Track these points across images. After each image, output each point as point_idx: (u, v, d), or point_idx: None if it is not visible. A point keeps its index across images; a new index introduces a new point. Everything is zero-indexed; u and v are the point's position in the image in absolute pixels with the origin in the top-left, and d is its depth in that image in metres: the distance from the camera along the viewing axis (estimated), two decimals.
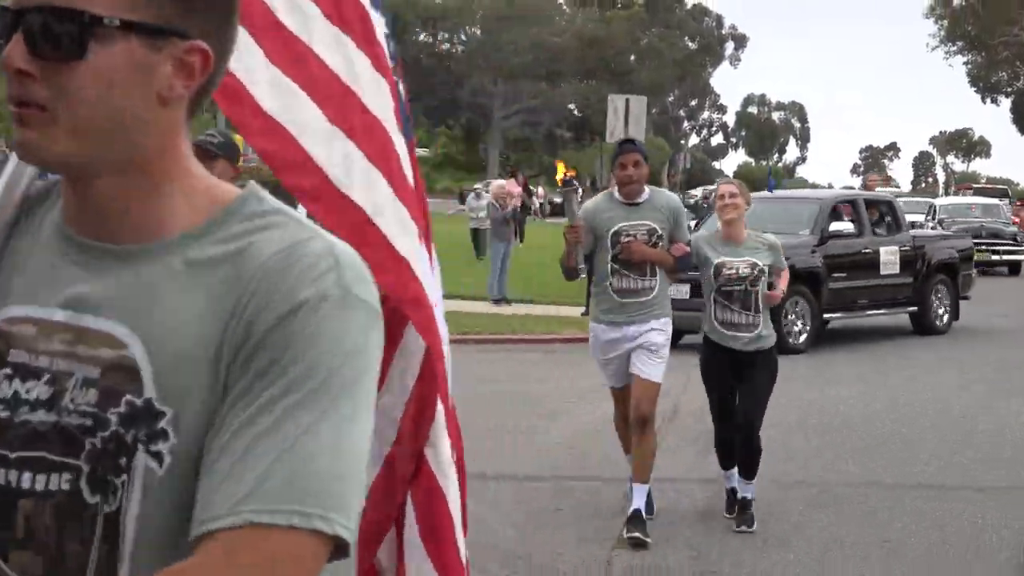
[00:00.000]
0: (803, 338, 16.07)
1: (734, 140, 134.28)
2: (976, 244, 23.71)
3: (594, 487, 9.76)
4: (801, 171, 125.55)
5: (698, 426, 11.04)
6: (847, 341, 17.77)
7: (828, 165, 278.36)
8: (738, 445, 8.06)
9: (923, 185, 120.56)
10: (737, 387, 8.10)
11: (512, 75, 70.14)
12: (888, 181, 46.86)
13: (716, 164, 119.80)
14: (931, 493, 9.61)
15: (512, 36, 69.57)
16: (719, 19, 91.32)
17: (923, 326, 17.99)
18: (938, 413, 12.74)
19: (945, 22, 69.98)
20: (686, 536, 8.19)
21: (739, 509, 8.12)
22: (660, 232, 7.63)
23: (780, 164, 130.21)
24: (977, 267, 21.21)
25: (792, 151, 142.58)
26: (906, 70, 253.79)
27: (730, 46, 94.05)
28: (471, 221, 32.61)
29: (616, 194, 7.82)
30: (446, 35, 78.15)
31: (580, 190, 8.51)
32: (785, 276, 8.32)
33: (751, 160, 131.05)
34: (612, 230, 7.61)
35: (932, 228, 29.65)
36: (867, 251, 17.07)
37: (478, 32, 74.05)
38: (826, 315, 16.60)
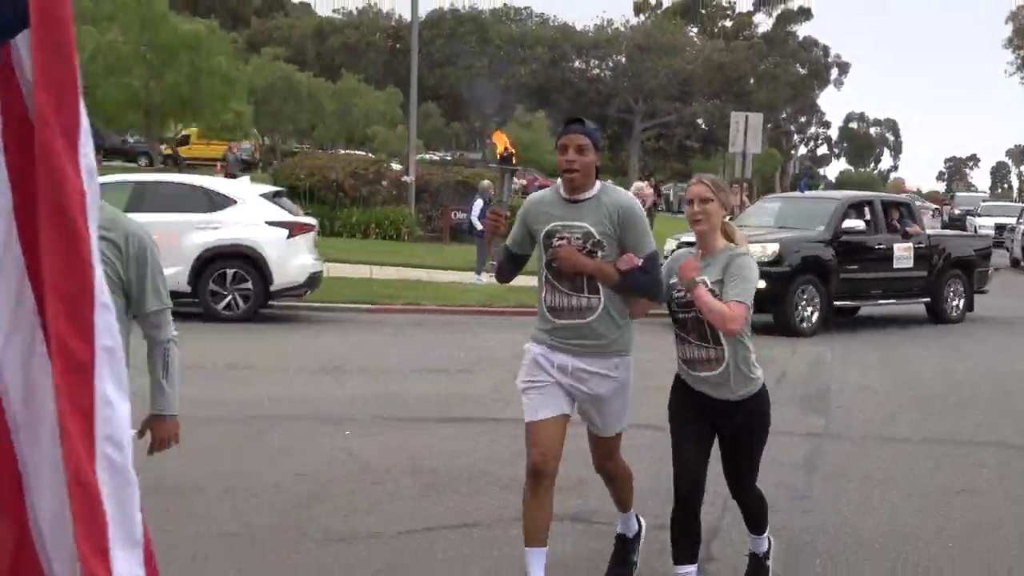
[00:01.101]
0: (813, 321, 15.53)
1: (836, 151, 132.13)
2: None
3: None
4: (896, 176, 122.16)
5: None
6: (869, 325, 17.38)
7: (917, 173, 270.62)
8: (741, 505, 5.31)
9: (999, 191, 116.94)
10: (719, 444, 5.06)
11: (650, 95, 70.04)
12: (905, 187, 45.56)
13: (820, 171, 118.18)
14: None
15: (651, 63, 69.54)
16: (826, 49, 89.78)
17: (936, 315, 17.42)
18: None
19: (1021, 51, 68.63)
20: None
21: (750, 571, 5.38)
22: (598, 238, 4.73)
23: (876, 171, 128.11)
24: None
25: (886, 160, 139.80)
26: (987, 91, 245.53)
27: (835, 72, 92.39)
28: None
29: (560, 188, 4.89)
30: (596, 63, 78.16)
31: (516, 171, 5.60)
32: (726, 307, 4.60)
33: (851, 168, 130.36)
34: (545, 230, 4.83)
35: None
36: (880, 246, 16.63)
37: (623, 60, 73.86)
38: (836, 302, 16.08)
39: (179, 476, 7.28)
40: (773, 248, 15.23)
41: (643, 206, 19.18)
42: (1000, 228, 36.96)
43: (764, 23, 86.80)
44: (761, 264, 15.00)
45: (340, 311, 16.94)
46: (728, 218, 4.90)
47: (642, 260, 4.72)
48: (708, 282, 4.64)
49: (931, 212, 45.45)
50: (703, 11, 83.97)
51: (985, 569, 5.97)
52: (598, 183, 4.83)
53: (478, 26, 78.50)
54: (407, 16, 27.60)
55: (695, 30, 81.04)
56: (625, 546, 5.51)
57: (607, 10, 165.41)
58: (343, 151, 50.02)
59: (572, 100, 74.07)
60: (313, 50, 78.43)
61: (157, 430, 4.02)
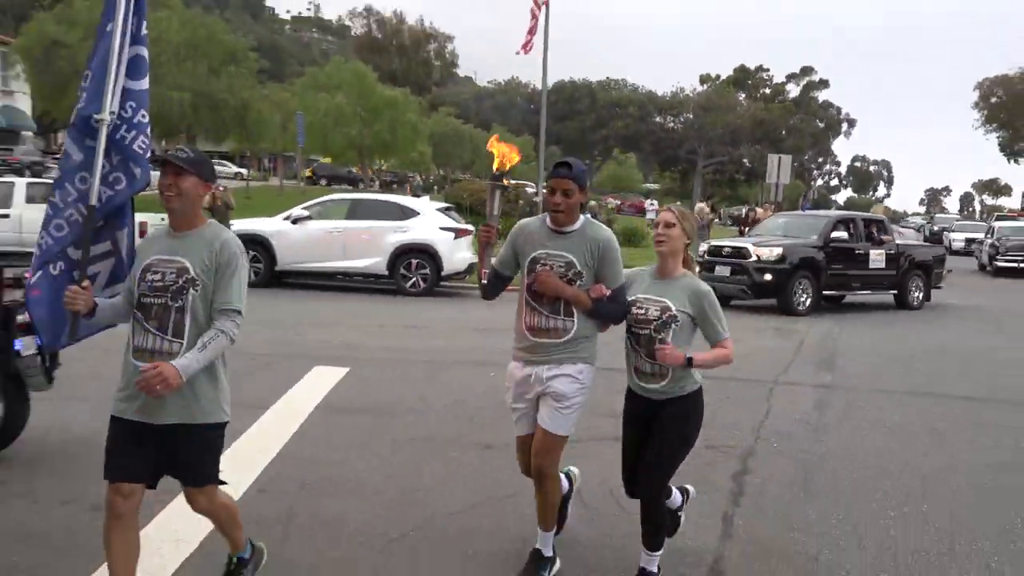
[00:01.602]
0: (807, 305, 15.20)
1: (844, 183, 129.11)
2: None
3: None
4: (887, 202, 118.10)
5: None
6: (857, 310, 16.70)
7: (904, 199, 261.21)
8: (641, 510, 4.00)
9: (965, 213, 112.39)
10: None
11: (710, 142, 68.87)
12: (887, 210, 43.93)
13: (832, 197, 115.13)
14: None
15: (711, 119, 68.43)
16: (839, 109, 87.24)
17: (901, 303, 16.94)
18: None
19: (985, 112, 66.20)
20: None
21: None
22: (579, 268, 3.91)
23: (873, 197, 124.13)
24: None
25: (882, 190, 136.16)
26: (959, 139, 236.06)
27: (845, 125, 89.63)
28: None
29: (548, 220, 3.99)
30: (671, 118, 77.10)
31: (507, 191, 4.59)
32: (720, 352, 3.90)
33: (856, 195, 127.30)
34: (531, 255, 3.97)
35: (991, 243, 27.67)
36: (859, 251, 16.20)
37: (691, 116, 72.78)
38: (825, 291, 15.73)
39: (383, 399, 7.43)
40: (778, 251, 15.15)
41: (703, 221, 18.37)
42: (970, 241, 35.90)
43: (794, 90, 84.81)
44: (768, 262, 14.94)
45: None
46: (686, 241, 3.93)
47: (611, 291, 3.92)
48: (657, 311, 3.83)
49: (915, 228, 43.87)
50: (749, 82, 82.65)
51: (943, 485, 5.74)
52: (582, 217, 3.96)
53: (589, 92, 78.69)
54: (539, 85, 27.79)
55: (743, 96, 79.52)
56: (536, 564, 4.08)
57: (680, 81, 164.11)
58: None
59: (654, 145, 73.97)
60: (474, 109, 79.43)
61: (160, 365, 3.08)
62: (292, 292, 15.20)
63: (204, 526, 4.48)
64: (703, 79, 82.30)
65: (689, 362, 3.77)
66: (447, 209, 17.22)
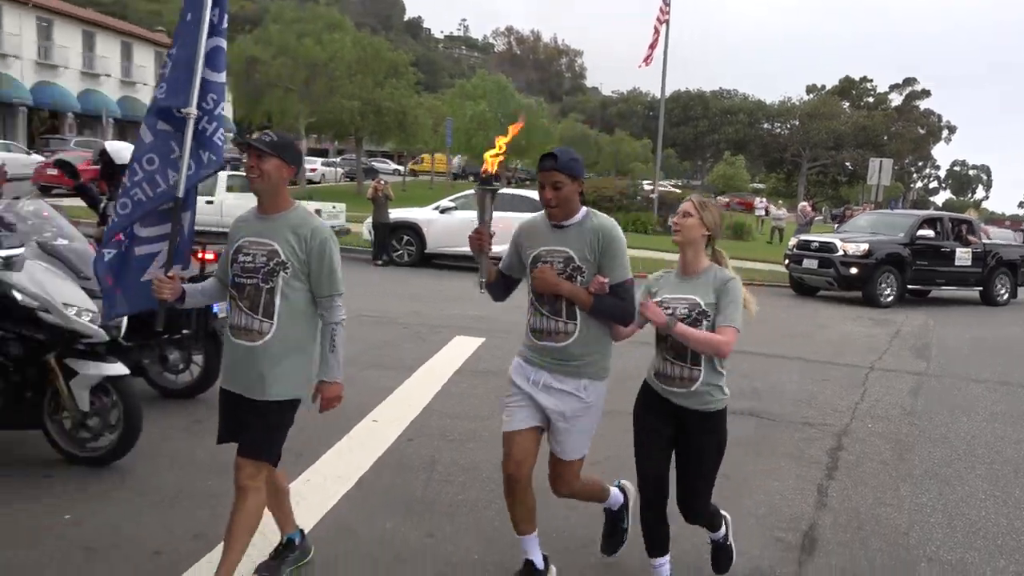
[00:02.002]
0: (891, 299, 14.22)
1: (944, 186, 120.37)
2: None
3: None
4: (985, 204, 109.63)
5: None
6: (949, 304, 15.43)
7: (1004, 202, 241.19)
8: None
9: None
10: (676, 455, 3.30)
11: (814, 147, 65.68)
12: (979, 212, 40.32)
13: (931, 199, 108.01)
14: None
15: (815, 125, 65.23)
16: (939, 116, 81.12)
17: (986, 299, 15.67)
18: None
19: None
20: None
21: (713, 557, 3.55)
22: (579, 264, 3.15)
23: (972, 200, 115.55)
24: None
25: (980, 192, 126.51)
26: None
27: (945, 132, 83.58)
28: (774, 221, 31.45)
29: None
30: (779, 124, 74.01)
31: (497, 191, 3.27)
32: (715, 337, 3.05)
33: (954, 197, 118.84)
34: (532, 255, 3.25)
35: None
36: (945, 249, 15.00)
37: (797, 123, 69.53)
38: (909, 286, 14.71)
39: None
40: (864, 246, 14.31)
41: (806, 219, 17.54)
42: None
43: (896, 99, 79.72)
44: (854, 257, 13.99)
45: None
46: (705, 232, 3.19)
47: (612, 284, 3.08)
48: (685, 310, 3.08)
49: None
50: (853, 92, 78.13)
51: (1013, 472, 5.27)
52: (584, 209, 3.18)
53: (702, 101, 76.55)
54: (658, 95, 27.25)
55: (847, 104, 75.30)
56: (612, 517, 3.70)
57: (788, 90, 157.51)
58: (614, 177, 49.83)
59: (761, 148, 71.34)
60: (598, 115, 78.70)
61: (323, 391, 3.04)
62: (439, 272, 15.49)
63: (362, 464, 4.63)
64: (809, 89, 78.60)
65: (671, 325, 3.05)
66: None
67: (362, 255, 16.34)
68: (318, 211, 16.00)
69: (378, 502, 4.15)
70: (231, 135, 46.80)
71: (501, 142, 3.21)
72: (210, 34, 3.27)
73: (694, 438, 3.19)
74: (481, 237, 3.18)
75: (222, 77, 3.32)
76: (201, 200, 15.13)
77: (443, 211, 15.98)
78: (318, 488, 4.24)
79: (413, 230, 15.81)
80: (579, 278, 3.10)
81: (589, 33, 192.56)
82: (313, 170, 40.50)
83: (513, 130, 3.25)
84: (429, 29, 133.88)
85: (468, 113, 41.12)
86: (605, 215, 3.20)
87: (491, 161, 3.18)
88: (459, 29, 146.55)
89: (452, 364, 7.37)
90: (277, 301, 2.94)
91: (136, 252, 3.33)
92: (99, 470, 4.31)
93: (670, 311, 3.09)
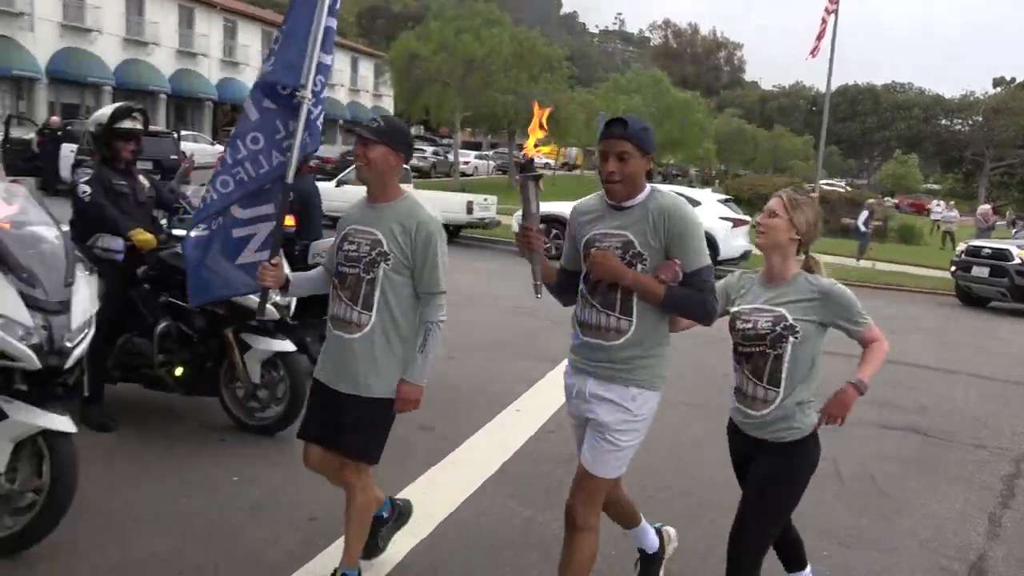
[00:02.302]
0: None
1: None
2: None
3: None
4: None
5: None
6: None
7: None
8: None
9: None
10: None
11: (1000, 145, 60.25)
12: None
13: None
14: None
15: (1002, 122, 59.73)
16: None
17: None
18: None
19: None
20: None
21: None
22: (639, 250, 2.60)
23: None
24: None
25: None
26: None
27: None
28: (944, 225, 29.11)
29: (605, 194, 2.70)
30: (959, 121, 68.43)
31: (541, 177, 2.65)
32: (876, 351, 2.69)
33: None
34: (586, 239, 2.72)
35: None
36: None
37: (980, 119, 63.95)
38: None
39: None
40: None
41: (987, 223, 16.03)
42: None
43: None
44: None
45: None
46: (794, 236, 2.70)
47: (686, 273, 2.58)
48: (768, 324, 2.67)
49: None
50: None
51: None
52: (648, 187, 2.67)
53: (872, 95, 72.05)
54: (822, 89, 25.88)
55: None
56: (644, 562, 3.21)
57: (970, 84, 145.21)
58: (771, 175, 47.91)
59: (937, 146, 66.32)
60: (757, 110, 75.97)
61: (401, 391, 2.83)
62: None
63: (504, 452, 4.73)
64: (996, 82, 72.05)
65: (859, 387, 2.67)
66: (727, 200, 16.94)
67: (511, 247, 16.62)
68: (470, 203, 16.41)
69: (517, 491, 4.23)
70: (341, 121, 48.70)
71: (535, 124, 2.79)
72: (328, 12, 3.09)
73: (762, 458, 2.73)
74: (529, 233, 2.66)
75: (329, 58, 3.15)
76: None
77: None
78: (461, 472, 4.39)
79: (560, 223, 15.91)
80: (639, 267, 2.60)
81: (749, 26, 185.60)
82: (466, 163, 41.55)
83: (539, 114, 2.80)
84: (584, 24, 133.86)
85: (621, 107, 40.76)
86: (671, 193, 2.71)
87: (530, 145, 2.77)
88: (615, 23, 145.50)
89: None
90: (377, 293, 2.79)
91: (233, 234, 3.18)
92: (266, 438, 4.65)
93: (749, 325, 2.71)
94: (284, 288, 2.99)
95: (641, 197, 2.65)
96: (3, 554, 3.11)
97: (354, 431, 2.86)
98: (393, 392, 2.86)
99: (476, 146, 52.45)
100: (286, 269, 2.90)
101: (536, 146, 2.76)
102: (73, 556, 3.20)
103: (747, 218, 15.94)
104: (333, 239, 2.99)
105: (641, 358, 2.65)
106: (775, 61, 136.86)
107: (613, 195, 2.64)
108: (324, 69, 3.10)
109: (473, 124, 40.54)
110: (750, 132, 59.66)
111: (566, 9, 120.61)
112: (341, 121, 52.89)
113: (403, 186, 2.96)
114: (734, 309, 2.79)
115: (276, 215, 3.16)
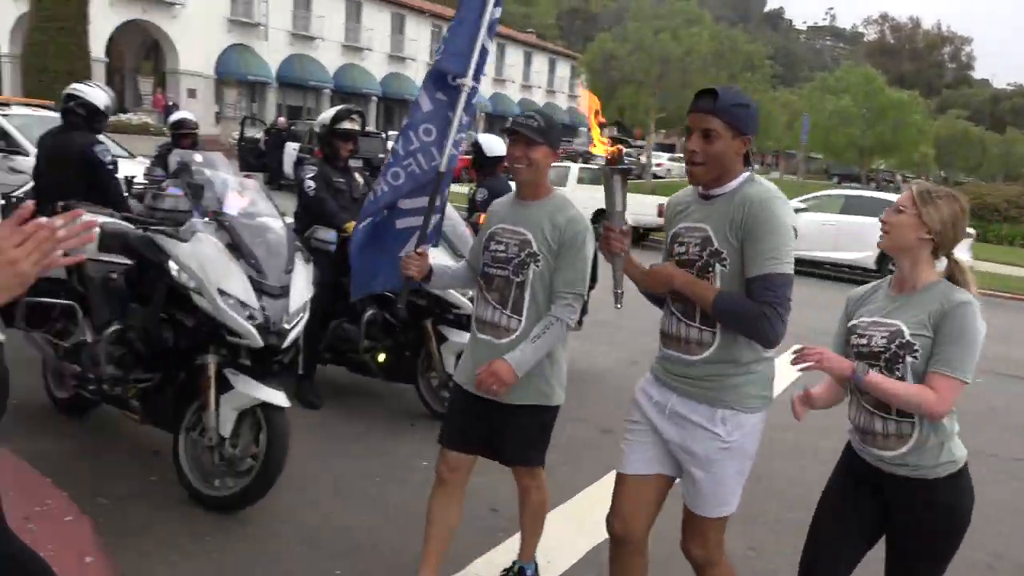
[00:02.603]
0: None
1: None
2: None
3: None
4: None
5: None
6: None
7: None
8: None
9: None
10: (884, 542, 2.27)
11: None
12: None
13: None
14: None
15: None
16: None
17: None
18: None
19: None
20: None
21: None
22: (717, 247, 2.20)
23: None
24: None
25: None
26: None
27: None
28: None
29: None
30: None
31: (631, 171, 2.39)
32: (922, 393, 2.06)
33: None
34: (671, 232, 2.38)
35: None
36: None
37: None
38: None
39: None
40: None
41: None
42: None
43: None
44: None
45: (985, 295, 14.57)
46: (925, 235, 2.18)
47: (749, 277, 2.16)
48: (883, 341, 2.17)
49: None
50: None
51: None
52: (743, 174, 2.24)
53: None
54: None
55: None
56: None
57: None
58: (1000, 183, 43.18)
59: None
60: (987, 111, 68.67)
61: (492, 364, 2.61)
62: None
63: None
64: None
65: (860, 371, 2.15)
66: None
67: None
68: (661, 206, 16.18)
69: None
70: (586, 130, 49.04)
71: (592, 118, 2.55)
72: (495, 3, 3.03)
73: (901, 514, 2.20)
74: (610, 235, 2.31)
75: (492, 46, 3.10)
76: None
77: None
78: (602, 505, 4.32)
79: None
80: (716, 267, 2.21)
81: (980, 18, 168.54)
82: (659, 165, 40.98)
83: (592, 107, 2.58)
84: (791, 20, 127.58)
85: (828, 108, 38.50)
86: (767, 184, 2.24)
87: (600, 142, 2.45)
88: (824, 18, 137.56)
89: (789, 374, 6.99)
90: (527, 296, 2.66)
91: (397, 225, 3.12)
92: None
93: (864, 341, 2.22)
94: (427, 279, 2.87)
95: (731, 185, 2.24)
96: (223, 511, 3.49)
97: (512, 438, 2.77)
98: (533, 400, 2.72)
99: (670, 148, 51.60)
100: (431, 260, 2.85)
101: (602, 141, 2.43)
102: (278, 519, 3.51)
103: (969, 231, 14.53)
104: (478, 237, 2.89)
105: (729, 376, 2.26)
106: (1011, 57, 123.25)
107: (694, 179, 2.27)
108: (485, 56, 3.05)
109: (667, 126, 39.90)
110: (977, 135, 54.15)
111: (771, 5, 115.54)
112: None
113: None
114: (851, 322, 2.33)
115: (440, 207, 3.12)
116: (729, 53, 33.75)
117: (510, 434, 2.76)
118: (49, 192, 4.91)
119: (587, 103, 2.59)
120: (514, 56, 51.14)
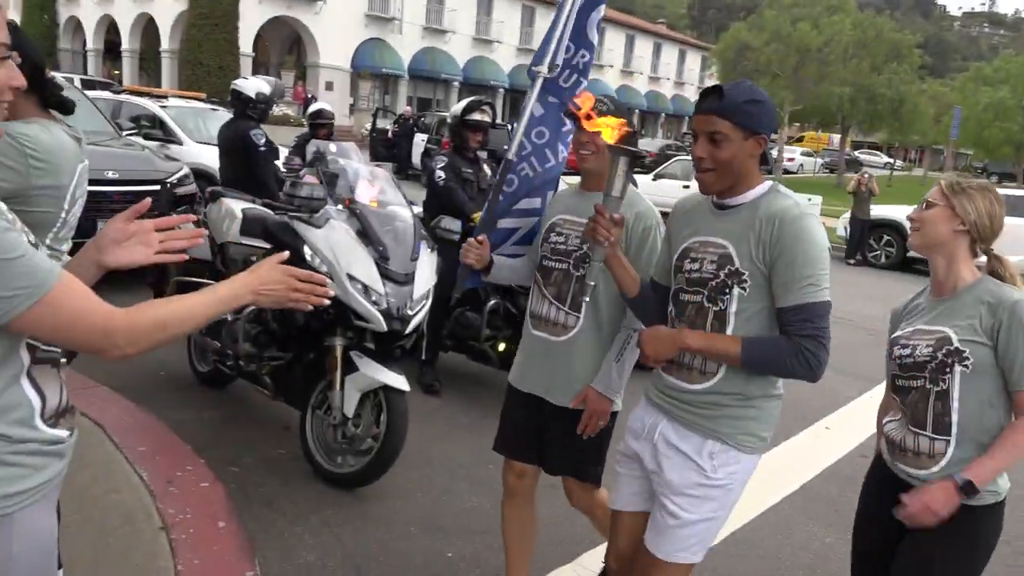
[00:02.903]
0: None
1: None
2: None
3: None
4: None
5: None
6: None
7: None
8: None
9: None
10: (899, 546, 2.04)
11: None
12: None
13: None
14: None
15: None
16: None
17: None
18: None
19: None
20: None
21: None
22: (738, 267, 1.88)
23: None
24: None
25: None
26: None
27: None
28: None
29: None
30: None
31: (643, 156, 2.23)
32: (1019, 434, 1.85)
33: None
34: (682, 247, 2.04)
35: None
36: None
37: None
38: None
39: None
40: None
41: None
42: None
43: None
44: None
45: None
46: (959, 228, 1.99)
47: (783, 308, 1.87)
48: (928, 350, 1.97)
49: None
50: None
51: None
52: (766, 183, 1.97)
53: None
54: None
55: None
56: None
57: None
58: None
59: None
60: None
61: (589, 402, 2.46)
62: (920, 279, 13.90)
63: (808, 469, 4.43)
64: None
65: (967, 489, 1.88)
66: None
67: (835, 252, 15.45)
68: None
69: (819, 512, 3.98)
70: (663, 115, 46.88)
71: (587, 113, 2.29)
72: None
73: (925, 541, 1.97)
74: (598, 220, 2.04)
75: (595, 37, 2.90)
76: (676, 184, 15.82)
77: None
78: (755, 485, 4.17)
79: (894, 229, 14.44)
80: (735, 289, 1.93)
81: None
82: (791, 159, 39.37)
83: (586, 102, 2.33)
84: (944, 7, 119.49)
85: (983, 101, 35.76)
86: (793, 196, 1.95)
87: (614, 126, 2.17)
88: (983, 4, 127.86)
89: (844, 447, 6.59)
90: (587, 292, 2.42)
91: (499, 224, 3.01)
92: None
93: (907, 352, 2.02)
94: (486, 270, 2.70)
95: (751, 195, 1.96)
96: (344, 487, 3.64)
97: (562, 446, 2.56)
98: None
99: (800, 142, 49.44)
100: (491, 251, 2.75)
101: (608, 125, 2.18)
102: (394, 499, 3.64)
103: None
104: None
105: (730, 405, 1.99)
106: None
107: (704, 187, 2.00)
108: (590, 46, 2.86)
109: (802, 119, 38.25)
110: None
111: None
112: (663, 115, 53.03)
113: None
114: (895, 334, 2.12)
115: (542, 210, 2.94)
116: (873, 42, 31.90)
117: (562, 440, 2.55)
118: (224, 177, 5.88)
119: (585, 103, 2.32)
120: (643, 47, 50.37)
